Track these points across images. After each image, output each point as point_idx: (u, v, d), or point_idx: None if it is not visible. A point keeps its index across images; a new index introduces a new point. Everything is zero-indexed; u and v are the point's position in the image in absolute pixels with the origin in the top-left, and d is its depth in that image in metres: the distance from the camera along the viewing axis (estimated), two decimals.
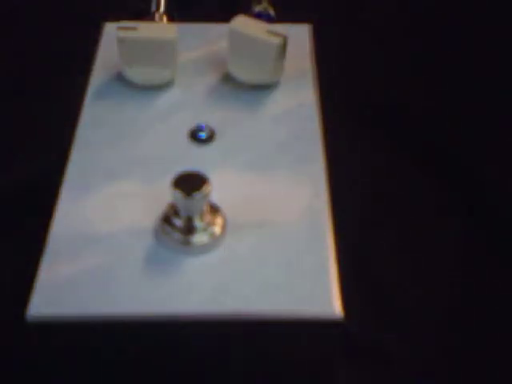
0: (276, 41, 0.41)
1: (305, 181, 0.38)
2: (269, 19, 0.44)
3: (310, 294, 0.32)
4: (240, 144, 0.39)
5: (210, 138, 0.40)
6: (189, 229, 0.34)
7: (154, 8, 0.45)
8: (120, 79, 0.43)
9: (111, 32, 0.45)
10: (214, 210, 0.35)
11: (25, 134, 0.51)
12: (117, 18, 0.43)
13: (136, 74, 0.42)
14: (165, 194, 0.35)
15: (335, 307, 0.32)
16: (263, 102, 0.42)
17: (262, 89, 0.42)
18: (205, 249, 0.34)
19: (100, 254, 0.34)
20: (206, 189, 0.33)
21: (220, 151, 0.39)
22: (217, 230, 0.34)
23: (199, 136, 0.40)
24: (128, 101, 0.42)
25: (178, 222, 0.34)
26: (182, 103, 0.42)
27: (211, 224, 0.34)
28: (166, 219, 0.35)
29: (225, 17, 0.43)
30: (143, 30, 0.41)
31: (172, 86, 0.43)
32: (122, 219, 0.35)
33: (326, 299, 0.32)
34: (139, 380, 0.35)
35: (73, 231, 0.35)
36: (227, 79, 0.43)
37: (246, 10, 0.45)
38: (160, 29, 0.42)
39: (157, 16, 0.45)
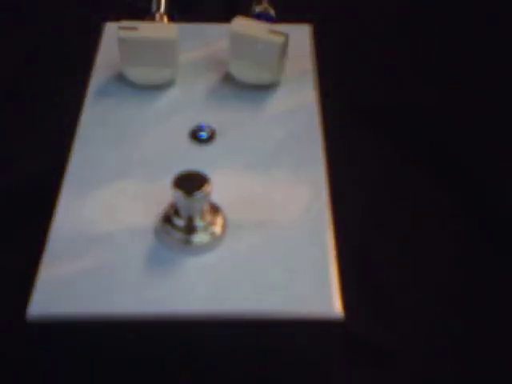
0: (279, 39, 0.41)
1: (305, 181, 0.38)
2: (269, 19, 0.44)
3: (310, 294, 0.32)
4: (240, 144, 0.39)
5: (211, 137, 0.40)
6: (189, 228, 0.34)
7: (154, 8, 0.45)
8: (120, 79, 0.43)
9: (111, 32, 0.45)
10: (215, 209, 0.35)
11: (25, 134, 0.51)
12: (117, 17, 0.43)
13: (136, 73, 0.42)
14: (165, 194, 0.35)
15: (335, 307, 0.32)
16: (263, 101, 0.42)
17: (263, 89, 0.42)
18: (205, 248, 0.34)
19: (100, 254, 0.34)
20: (206, 188, 0.33)
21: (220, 151, 0.39)
22: (217, 229, 0.34)
23: (200, 136, 0.40)
24: (128, 101, 0.42)
25: (179, 222, 0.34)
26: (182, 103, 0.42)
27: (211, 224, 0.34)
28: (167, 219, 0.35)
29: (225, 17, 0.43)
30: (144, 29, 0.41)
31: (172, 85, 0.43)
32: (122, 219, 0.35)
33: (325, 299, 0.32)
34: (139, 380, 0.35)
35: (73, 231, 0.35)
36: (228, 79, 0.43)
37: (247, 10, 0.45)
38: (161, 29, 0.42)
39: (157, 16, 0.45)
